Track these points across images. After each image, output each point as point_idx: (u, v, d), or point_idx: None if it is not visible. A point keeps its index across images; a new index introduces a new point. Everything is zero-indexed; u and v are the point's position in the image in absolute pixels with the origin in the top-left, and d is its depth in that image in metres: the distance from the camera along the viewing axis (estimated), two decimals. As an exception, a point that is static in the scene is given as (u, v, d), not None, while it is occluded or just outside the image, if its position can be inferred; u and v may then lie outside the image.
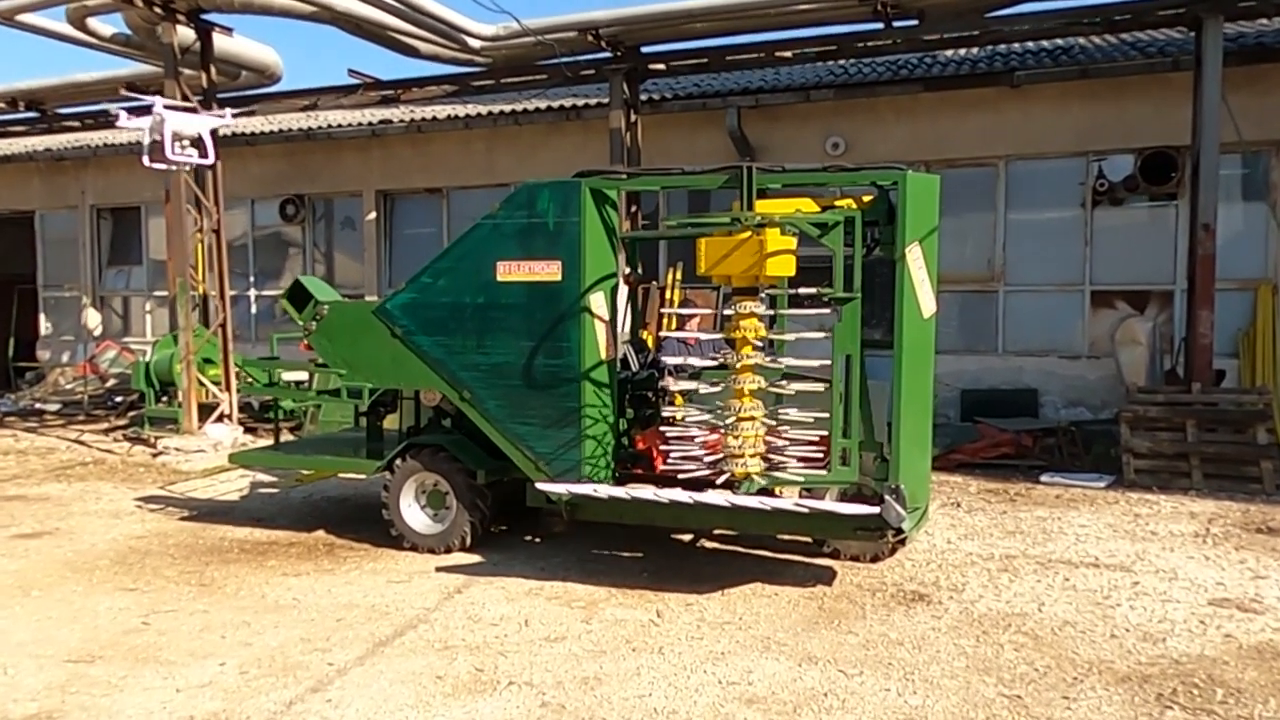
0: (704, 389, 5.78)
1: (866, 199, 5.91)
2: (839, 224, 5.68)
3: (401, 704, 4.28)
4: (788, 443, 5.88)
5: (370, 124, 14.27)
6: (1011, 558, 6.63)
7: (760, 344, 5.87)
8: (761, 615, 5.47)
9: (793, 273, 5.85)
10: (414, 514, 6.96)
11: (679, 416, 5.91)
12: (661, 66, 11.89)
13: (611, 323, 6.38)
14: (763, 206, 5.88)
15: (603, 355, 6.32)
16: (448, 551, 6.81)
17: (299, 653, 4.90)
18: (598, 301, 6.28)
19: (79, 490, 9.14)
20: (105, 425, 13.61)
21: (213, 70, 11.04)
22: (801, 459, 5.84)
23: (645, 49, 11.68)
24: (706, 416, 5.84)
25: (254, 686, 4.47)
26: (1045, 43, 12.19)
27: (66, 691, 4.42)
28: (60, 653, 4.90)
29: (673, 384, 5.88)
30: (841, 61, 12.48)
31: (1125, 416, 9.19)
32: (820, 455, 5.86)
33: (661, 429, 6.08)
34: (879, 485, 5.79)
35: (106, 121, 15.57)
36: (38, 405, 15.68)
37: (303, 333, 6.97)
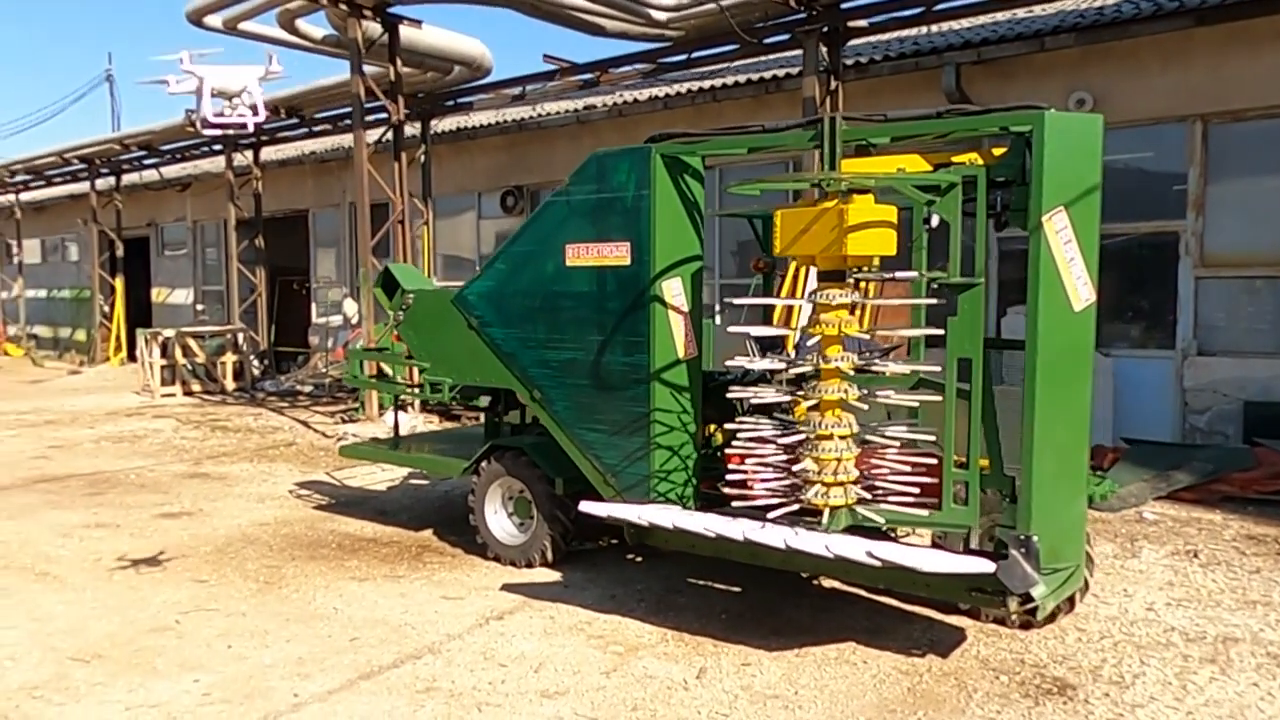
0: (766, 397, 4.64)
1: (998, 151, 4.44)
2: (955, 186, 4.30)
3: (319, 760, 3.67)
4: (890, 468, 4.59)
5: (575, 111, 14.03)
6: (1232, 641, 4.81)
7: (854, 343, 4.65)
8: (826, 691, 4.27)
9: (893, 251, 4.54)
10: (500, 522, 6.39)
11: (745, 431, 4.78)
12: (863, 23, 10.44)
13: (693, 314, 5.38)
14: (855, 166, 4.60)
15: (680, 353, 5.34)
16: (529, 566, 6.16)
17: (279, 676, 4.45)
18: (674, 289, 5.31)
19: (256, 471, 9.57)
20: (340, 407, 14.50)
21: (399, 63, 11.18)
22: (907, 490, 4.53)
23: (844, 5, 10.30)
24: (777, 431, 4.69)
25: (198, 714, 4.07)
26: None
27: (32, 694, 4.27)
28: (74, 647, 4.82)
29: (739, 390, 4.77)
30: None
31: None
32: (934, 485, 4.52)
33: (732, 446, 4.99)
34: (1004, 534, 4.34)
35: (349, 126, 16.68)
36: (297, 387, 17.17)
37: (393, 323, 6.61)
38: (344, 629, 5.08)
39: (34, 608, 5.42)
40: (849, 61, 11.07)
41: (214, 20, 11.29)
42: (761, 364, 4.69)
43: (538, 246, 5.79)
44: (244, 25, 11.32)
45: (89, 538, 6.94)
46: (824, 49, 10.55)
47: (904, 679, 4.39)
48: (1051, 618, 4.96)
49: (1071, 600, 4.92)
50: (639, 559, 6.36)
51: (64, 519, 7.49)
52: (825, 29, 10.41)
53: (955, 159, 4.47)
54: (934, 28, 11.74)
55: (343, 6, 10.35)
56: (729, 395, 4.85)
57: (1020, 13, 10.71)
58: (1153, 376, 9.93)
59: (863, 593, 5.53)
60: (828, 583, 5.74)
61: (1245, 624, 5.06)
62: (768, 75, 12.02)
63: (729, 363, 5.05)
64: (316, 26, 11.77)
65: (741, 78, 12.34)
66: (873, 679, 4.39)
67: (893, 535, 5.09)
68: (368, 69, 12.66)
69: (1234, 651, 4.68)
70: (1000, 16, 10.94)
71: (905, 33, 11.42)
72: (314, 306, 19.91)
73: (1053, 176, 4.11)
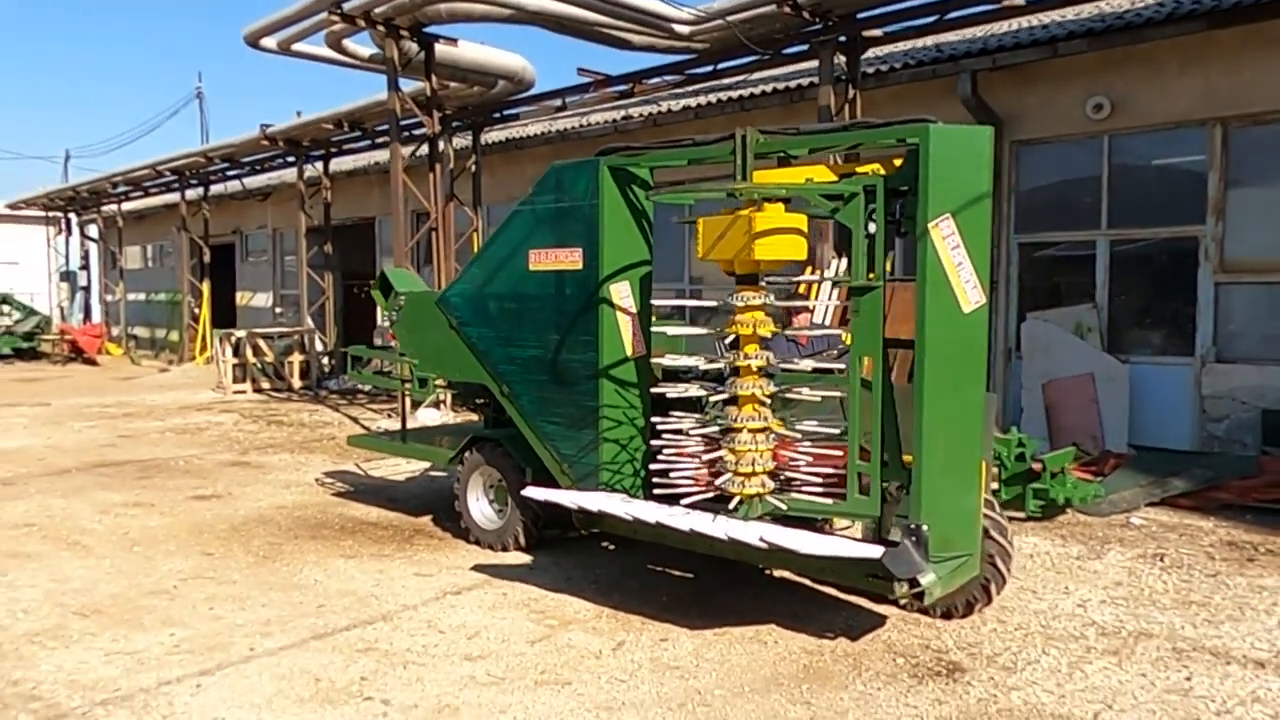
0: (695, 392, 4.98)
1: (897, 162, 4.70)
2: (857, 195, 4.59)
3: (248, 702, 4.17)
4: (807, 460, 4.89)
5: (614, 121, 14.49)
6: (1146, 637, 4.93)
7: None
8: (726, 665, 4.59)
9: (802, 256, 4.84)
10: (481, 508, 6.86)
11: (668, 424, 5.14)
12: (878, 33, 10.60)
13: (641, 315, 5.75)
14: (768, 176, 4.91)
15: (628, 351, 5.72)
16: (504, 549, 6.61)
17: (244, 634, 5.00)
18: (621, 292, 5.69)
19: (293, 461, 10.29)
20: (392, 404, 15.25)
21: (434, 79, 11.83)
22: (814, 481, 4.82)
23: (861, 15, 10.48)
24: (697, 425, 5.03)
25: (163, 660, 4.63)
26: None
27: (32, 640, 4.91)
28: (80, 604, 5.48)
29: (670, 389, 5.12)
30: (1104, 2, 10.25)
31: None
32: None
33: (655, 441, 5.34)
34: (898, 523, 4.59)
35: (411, 137, 17.52)
36: (358, 385, 18.06)
37: (388, 324, 7.16)
38: (316, 598, 5.62)
39: (56, 571, 6.13)
40: (869, 70, 11.24)
41: (269, 42, 12.15)
42: (682, 360, 5.03)
43: (507, 251, 6.25)
44: (296, 46, 12.14)
45: (124, 514, 7.69)
46: (842, 58, 10.75)
47: (805, 657, 4.67)
48: (969, 609, 5.15)
49: (988, 592, 5.11)
50: (611, 546, 6.74)
51: (108, 498, 8.30)
52: (841, 39, 10.62)
53: (859, 169, 4.74)
54: (956, 34, 11.78)
55: (380, 28, 11.05)
56: (652, 390, 5.20)
57: (1037, 19, 10.72)
58: (1170, 384, 9.82)
59: (807, 582, 5.80)
60: (778, 572, 6.02)
61: (1169, 622, 5.15)
62: (793, 85, 12.26)
63: (653, 360, 5.40)
64: (363, 46, 12.51)
65: (769, 87, 12.61)
66: (775, 657, 4.69)
67: (820, 526, 5.36)
68: (417, 84, 13.41)
69: (1141, 646, 4.80)
70: (1016, 23, 10.95)
71: (929, 39, 11.52)
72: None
73: (938, 185, 4.36)
